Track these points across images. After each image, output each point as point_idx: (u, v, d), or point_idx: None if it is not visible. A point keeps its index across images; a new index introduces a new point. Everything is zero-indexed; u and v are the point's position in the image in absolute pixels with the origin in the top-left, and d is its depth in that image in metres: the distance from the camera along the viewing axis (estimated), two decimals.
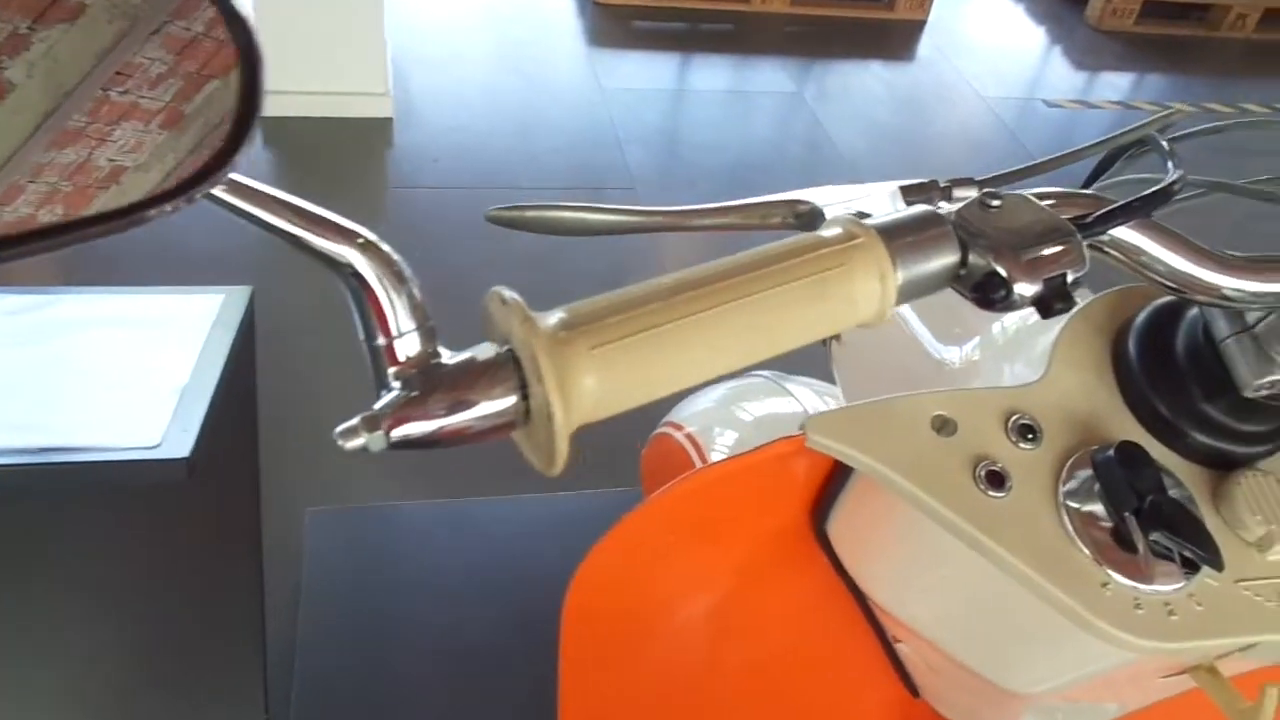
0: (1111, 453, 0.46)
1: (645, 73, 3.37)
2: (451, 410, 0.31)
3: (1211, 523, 0.48)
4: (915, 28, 3.95)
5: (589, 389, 0.31)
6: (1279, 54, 4.18)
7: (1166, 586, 0.45)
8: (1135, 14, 4.08)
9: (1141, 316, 0.51)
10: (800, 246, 0.35)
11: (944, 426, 0.48)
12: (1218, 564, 0.45)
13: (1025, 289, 0.37)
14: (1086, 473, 0.47)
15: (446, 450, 0.32)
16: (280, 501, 1.68)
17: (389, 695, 1.47)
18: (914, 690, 0.68)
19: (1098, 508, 0.46)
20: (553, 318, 0.33)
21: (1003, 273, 0.37)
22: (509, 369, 0.32)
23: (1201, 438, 0.49)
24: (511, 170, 2.75)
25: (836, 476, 0.54)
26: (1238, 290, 0.43)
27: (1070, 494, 0.47)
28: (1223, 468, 0.49)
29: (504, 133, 2.92)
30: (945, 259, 0.37)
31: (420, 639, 1.58)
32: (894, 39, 3.87)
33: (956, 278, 0.38)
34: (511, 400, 0.32)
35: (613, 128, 2.99)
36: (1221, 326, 0.47)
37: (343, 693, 1.44)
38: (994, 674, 0.54)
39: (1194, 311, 0.49)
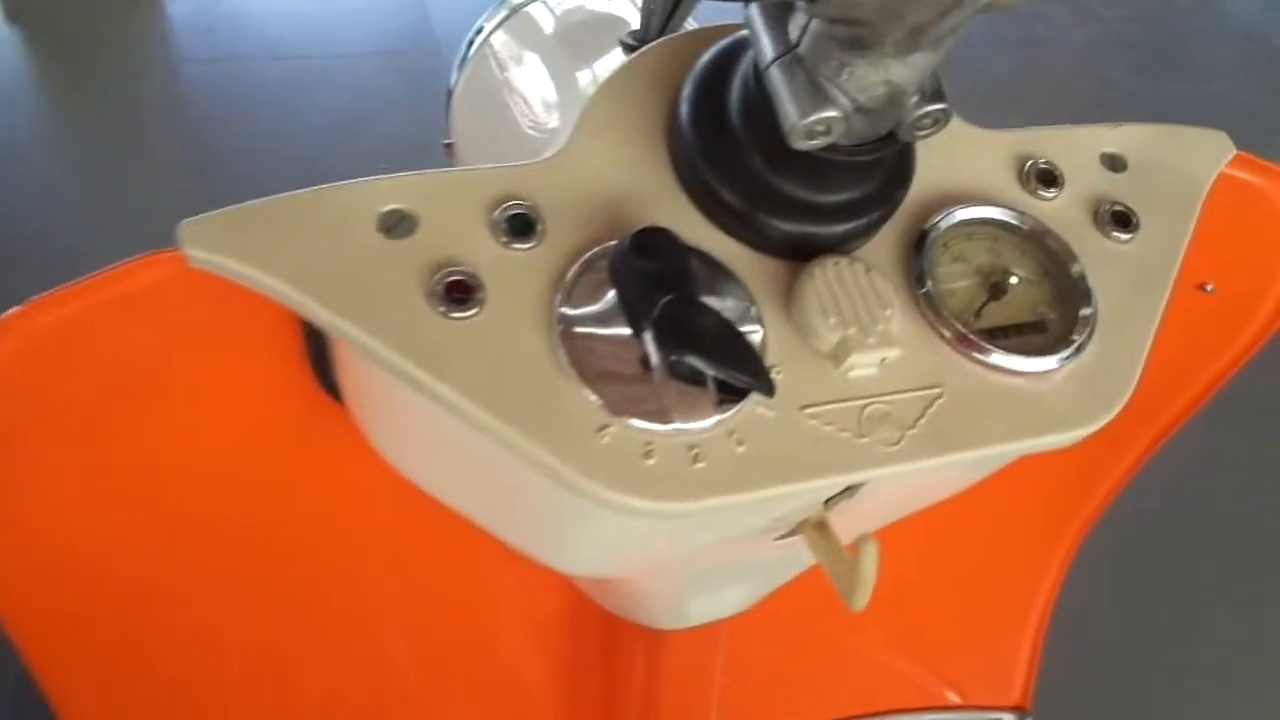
0: (626, 244, 0.33)
1: None
2: None
3: (780, 332, 0.35)
4: None
5: None
6: None
7: (695, 423, 0.33)
8: None
9: (698, 65, 0.37)
10: None
11: (398, 225, 0.34)
12: (764, 388, 0.33)
13: None
14: (600, 277, 0.34)
15: None
16: None
17: None
18: None
19: (613, 328, 0.33)
20: None
21: None
22: None
23: (768, 219, 0.36)
24: (301, 38, 2.48)
25: None
26: None
27: (573, 307, 0.33)
28: (807, 258, 0.36)
29: None
30: None
31: None
32: None
33: None
34: None
35: None
36: (766, 53, 0.33)
37: None
38: (550, 557, 0.41)
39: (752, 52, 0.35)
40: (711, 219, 0.36)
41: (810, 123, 0.32)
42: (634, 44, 0.48)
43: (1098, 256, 0.40)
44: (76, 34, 2.44)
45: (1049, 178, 0.41)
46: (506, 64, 0.61)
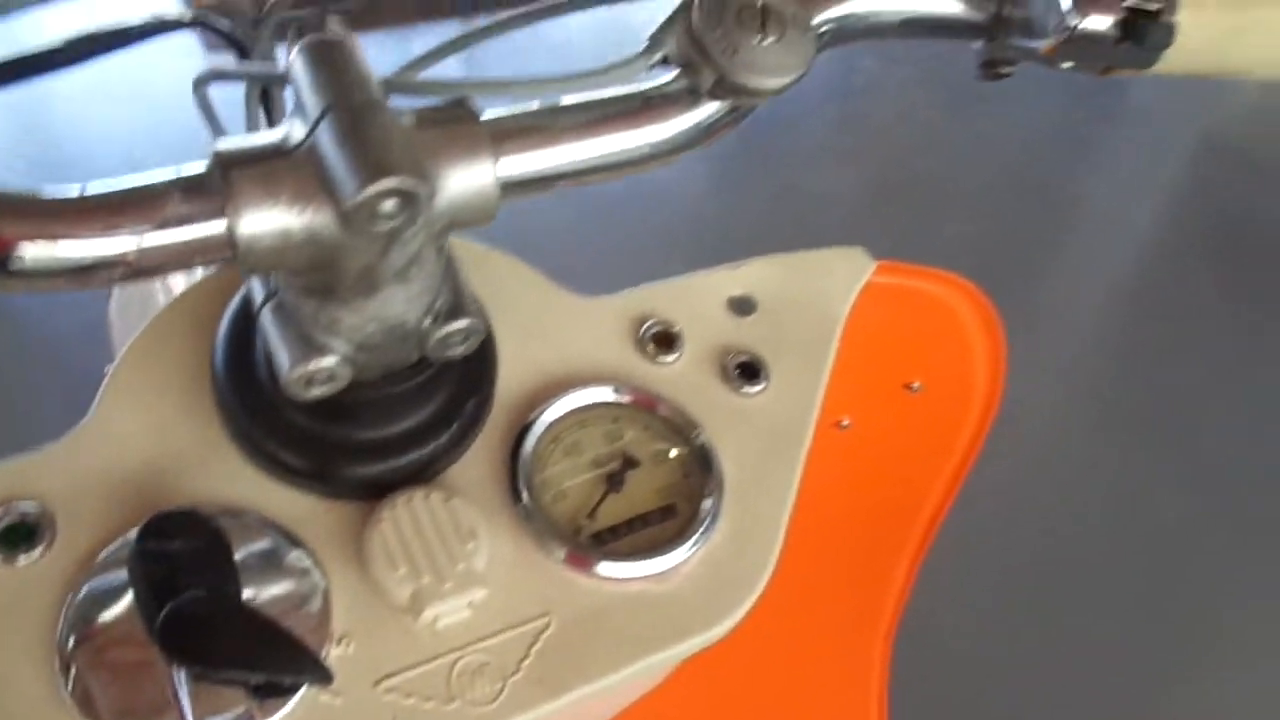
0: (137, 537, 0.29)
1: None
2: None
3: (353, 592, 0.31)
4: None
5: None
6: None
7: None
8: None
9: (230, 305, 0.33)
10: None
11: None
12: (317, 677, 0.28)
13: None
14: (121, 576, 0.29)
15: None
16: None
17: None
18: None
19: (132, 639, 0.29)
20: None
21: None
22: None
23: (323, 467, 0.32)
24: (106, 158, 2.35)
25: None
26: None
27: (84, 623, 0.29)
28: (385, 494, 0.32)
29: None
30: None
31: None
32: None
33: None
34: None
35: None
36: (255, 296, 0.30)
37: None
38: None
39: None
40: (269, 473, 0.32)
41: (302, 374, 0.28)
42: None
43: (727, 416, 0.37)
44: None
45: (666, 339, 0.38)
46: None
